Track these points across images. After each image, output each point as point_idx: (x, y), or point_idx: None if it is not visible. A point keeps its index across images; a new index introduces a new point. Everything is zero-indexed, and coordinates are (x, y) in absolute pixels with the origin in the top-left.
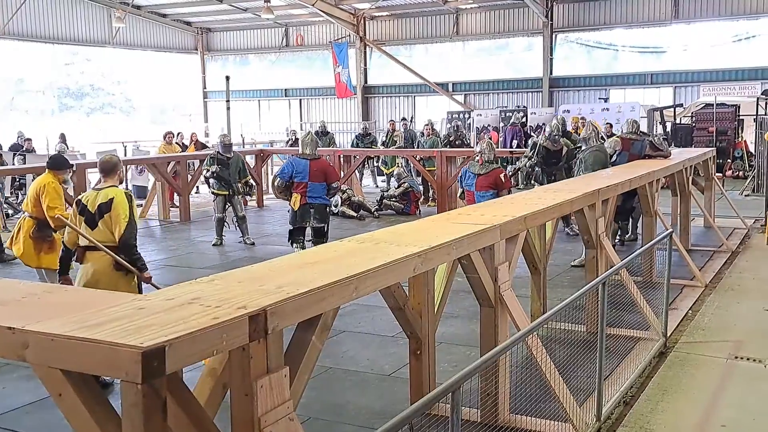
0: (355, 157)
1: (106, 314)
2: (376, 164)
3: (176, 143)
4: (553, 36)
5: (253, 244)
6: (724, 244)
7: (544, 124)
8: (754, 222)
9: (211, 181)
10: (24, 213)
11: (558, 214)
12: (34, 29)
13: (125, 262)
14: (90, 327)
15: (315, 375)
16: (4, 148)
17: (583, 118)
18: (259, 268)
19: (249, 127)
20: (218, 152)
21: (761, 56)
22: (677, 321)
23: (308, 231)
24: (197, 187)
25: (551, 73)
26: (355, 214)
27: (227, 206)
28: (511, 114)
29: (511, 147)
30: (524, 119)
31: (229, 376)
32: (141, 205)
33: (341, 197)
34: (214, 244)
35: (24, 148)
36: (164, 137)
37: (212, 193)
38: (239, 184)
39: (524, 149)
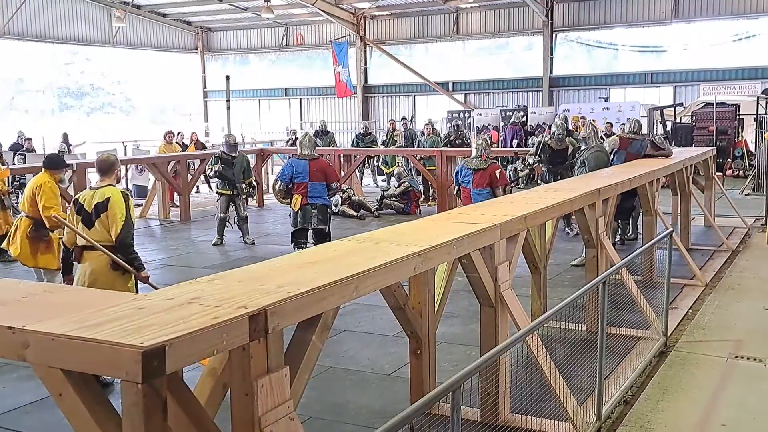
0: (355, 156)
1: (106, 314)
2: (376, 164)
3: (176, 143)
4: (553, 35)
5: (253, 243)
6: (725, 244)
7: (544, 123)
8: (754, 221)
9: (214, 180)
10: (21, 213)
11: (558, 213)
12: (34, 29)
13: (122, 262)
14: (90, 327)
15: (315, 374)
16: (4, 147)
17: (583, 118)
18: (259, 267)
19: (249, 126)
20: (223, 152)
21: (761, 55)
22: (677, 320)
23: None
24: (197, 186)
25: (551, 72)
26: (355, 214)
27: (230, 206)
28: (511, 113)
29: (511, 146)
30: (524, 119)
31: (230, 375)
32: (141, 205)
33: (341, 197)
34: (214, 244)
35: (24, 148)
36: (164, 137)
37: (216, 192)
38: (243, 184)
39: (524, 148)
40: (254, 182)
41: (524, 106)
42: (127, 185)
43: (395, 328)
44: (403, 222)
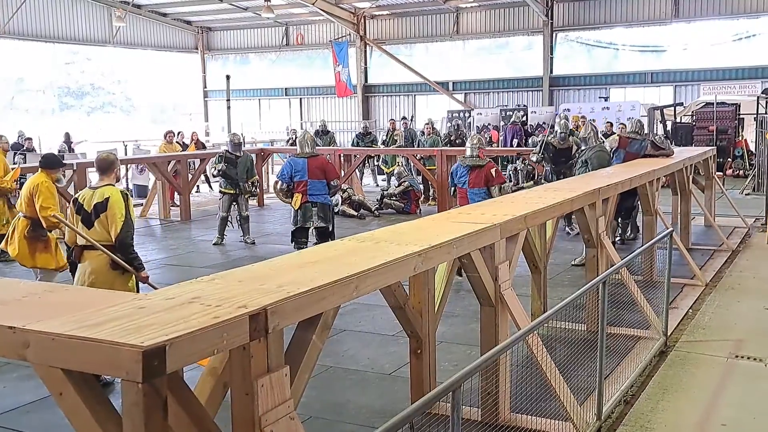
0: (355, 156)
1: (106, 314)
2: (376, 163)
3: (177, 142)
4: (554, 35)
5: (253, 243)
6: (725, 243)
7: (544, 123)
8: (754, 221)
9: (215, 180)
10: (18, 213)
11: (558, 213)
12: (34, 28)
13: (122, 262)
14: (91, 326)
15: (315, 374)
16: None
17: (583, 117)
18: (260, 267)
19: (249, 126)
20: (227, 151)
21: (761, 55)
22: (678, 320)
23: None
24: (197, 186)
25: (551, 72)
26: (355, 213)
27: (233, 205)
28: (511, 113)
29: (511, 146)
30: (524, 118)
31: (230, 375)
32: (141, 205)
33: (341, 196)
34: (214, 243)
35: (24, 148)
36: (165, 136)
37: (219, 191)
38: (247, 184)
39: (524, 148)
40: (257, 182)
41: (524, 105)
42: (127, 185)
43: (395, 327)
44: (403, 221)
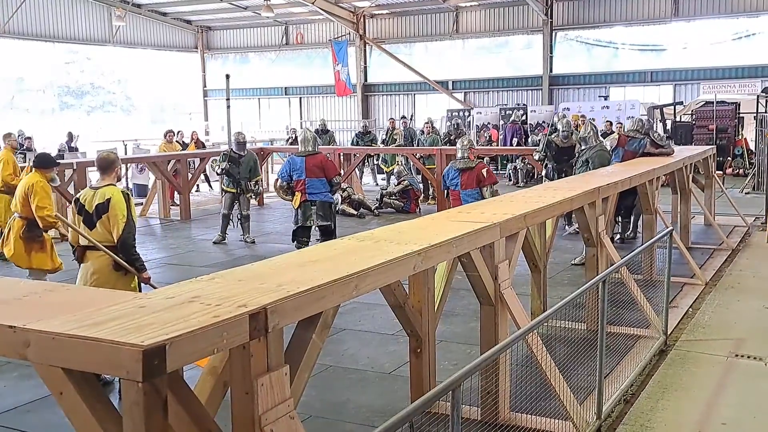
0: (355, 155)
1: (106, 313)
2: (376, 162)
3: (177, 142)
4: (553, 34)
5: (253, 242)
6: (725, 242)
7: (544, 121)
8: (754, 220)
9: (216, 180)
10: (14, 213)
11: (558, 212)
12: (34, 28)
13: (123, 262)
14: (91, 325)
15: (315, 373)
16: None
17: (583, 116)
18: (260, 266)
19: (249, 125)
20: (231, 149)
21: (761, 54)
22: (677, 319)
23: (315, 232)
24: (197, 185)
25: (551, 71)
26: (355, 213)
27: (235, 204)
28: (511, 112)
29: (511, 145)
30: (524, 117)
31: (230, 374)
32: (141, 204)
33: (341, 195)
34: (215, 242)
35: (24, 147)
36: (164, 136)
37: (222, 189)
38: (250, 183)
39: (525, 147)
40: (261, 181)
41: (524, 104)
42: (127, 184)
43: (395, 326)
44: (403, 221)
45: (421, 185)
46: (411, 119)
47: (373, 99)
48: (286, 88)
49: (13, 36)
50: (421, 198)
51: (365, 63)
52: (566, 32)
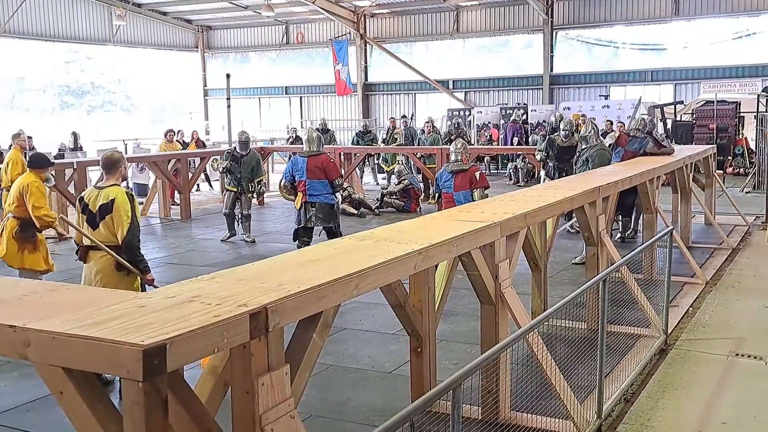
0: (355, 154)
1: (107, 312)
2: (376, 161)
3: (177, 141)
4: (554, 33)
5: (253, 241)
6: (725, 241)
7: (544, 121)
8: (754, 219)
9: (215, 179)
10: (8, 213)
11: (558, 211)
12: (34, 27)
13: (126, 263)
14: (91, 325)
15: (316, 373)
16: (4, 146)
17: (583, 116)
18: (260, 265)
19: (249, 124)
20: (235, 148)
21: (762, 53)
22: (678, 318)
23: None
24: (198, 184)
25: (552, 70)
26: (355, 212)
27: (237, 203)
28: (511, 111)
29: (511, 144)
30: (525, 116)
31: (230, 373)
32: (142, 203)
33: (341, 195)
34: (223, 240)
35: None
36: (165, 135)
37: (224, 188)
38: (252, 183)
39: (526, 146)
40: (263, 181)
41: (524, 104)
42: (127, 184)
43: (396, 326)
44: (404, 220)
45: (421, 184)
46: (411, 119)
47: (373, 98)
48: (286, 87)
49: (13, 35)
50: (422, 197)
51: (366, 62)
52: (567, 31)
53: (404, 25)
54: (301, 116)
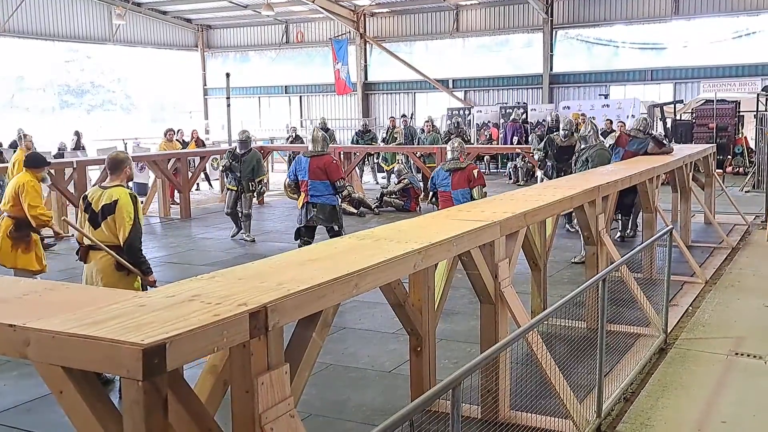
0: (355, 153)
1: (106, 311)
2: (376, 161)
3: (177, 140)
4: (553, 32)
5: (253, 240)
6: (725, 241)
7: (544, 120)
8: (754, 218)
9: (215, 179)
10: (3, 213)
11: (558, 210)
12: (34, 26)
13: (126, 263)
14: (91, 324)
15: (315, 372)
16: (4, 145)
17: (583, 115)
18: (260, 265)
19: (249, 124)
20: (235, 147)
21: (761, 52)
22: (677, 317)
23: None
24: (197, 184)
25: (551, 69)
26: (355, 211)
27: (238, 202)
28: (511, 110)
29: (511, 143)
30: (524, 116)
31: (230, 373)
32: (141, 202)
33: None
34: (232, 237)
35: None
36: (165, 134)
37: (226, 188)
38: (253, 182)
39: (524, 145)
40: (264, 181)
41: (524, 103)
42: (127, 183)
43: (395, 325)
44: (403, 219)
45: (421, 184)
46: (411, 118)
47: (373, 97)
48: (286, 86)
49: (13, 35)
50: (422, 196)
51: (365, 61)
52: (566, 31)
53: (404, 25)
54: (301, 115)
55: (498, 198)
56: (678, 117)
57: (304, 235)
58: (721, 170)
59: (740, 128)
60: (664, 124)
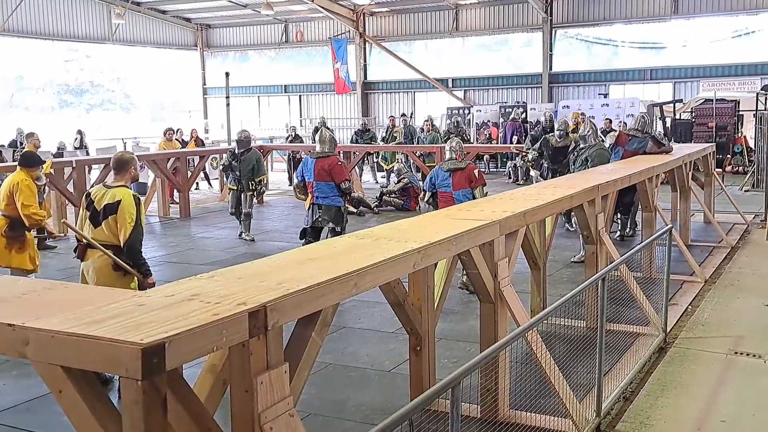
0: (354, 153)
1: (106, 311)
2: (375, 160)
3: (176, 140)
4: (553, 31)
5: (252, 240)
6: (724, 240)
7: (538, 120)
8: (753, 217)
9: (214, 178)
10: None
11: (558, 209)
12: (33, 26)
13: (123, 263)
14: (90, 323)
15: (315, 371)
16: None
17: (582, 114)
18: (259, 264)
19: (249, 123)
20: (235, 147)
21: (760, 52)
22: (677, 316)
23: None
24: (197, 183)
25: (551, 68)
26: (354, 210)
27: (239, 202)
28: (510, 110)
29: (511, 143)
30: (524, 115)
31: (229, 372)
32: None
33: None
34: (239, 236)
35: (23, 145)
36: (164, 134)
37: (228, 188)
38: (253, 181)
39: (519, 144)
40: (264, 181)
41: (524, 102)
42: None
43: (395, 324)
44: (403, 218)
45: (420, 183)
46: (411, 117)
47: (372, 97)
48: (285, 86)
49: (12, 34)
50: (421, 196)
51: (365, 61)
52: (566, 30)
53: (403, 24)
54: (301, 115)
55: (497, 197)
56: (677, 116)
57: (310, 235)
58: (720, 169)
59: (739, 127)
60: (664, 123)
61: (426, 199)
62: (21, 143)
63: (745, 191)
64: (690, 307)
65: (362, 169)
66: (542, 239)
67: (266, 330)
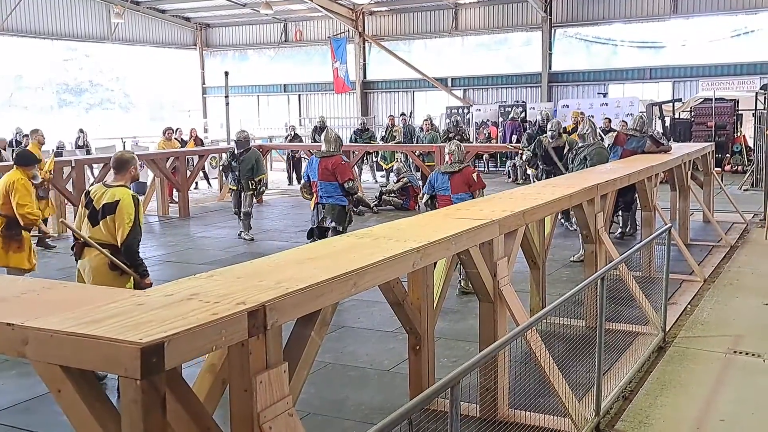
0: (354, 152)
1: (105, 310)
2: (375, 159)
3: (175, 139)
4: (552, 31)
5: (252, 239)
6: (723, 239)
7: (535, 119)
8: (752, 216)
9: (214, 178)
10: None
11: (557, 209)
12: (32, 25)
13: (120, 263)
14: (89, 323)
15: (314, 371)
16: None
17: (582, 113)
18: (258, 263)
19: (248, 122)
20: (234, 147)
21: (760, 51)
22: (676, 316)
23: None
24: (196, 182)
25: (550, 68)
26: (354, 210)
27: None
28: (510, 109)
29: (510, 142)
30: (523, 114)
31: (229, 371)
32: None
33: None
34: (239, 234)
35: (22, 145)
36: (163, 133)
37: (228, 188)
38: (252, 181)
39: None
40: (264, 181)
41: (523, 101)
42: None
43: (394, 324)
44: (402, 218)
45: (420, 182)
46: (410, 116)
47: (372, 96)
48: (285, 85)
49: (11, 33)
50: (420, 195)
51: (364, 60)
52: (565, 29)
53: (403, 23)
54: (300, 114)
55: (497, 196)
56: (677, 115)
57: (317, 235)
58: (719, 169)
59: (739, 127)
60: (663, 122)
61: (425, 201)
62: (19, 142)
63: (744, 190)
64: (689, 306)
65: (361, 169)
66: (541, 238)
67: (265, 329)
